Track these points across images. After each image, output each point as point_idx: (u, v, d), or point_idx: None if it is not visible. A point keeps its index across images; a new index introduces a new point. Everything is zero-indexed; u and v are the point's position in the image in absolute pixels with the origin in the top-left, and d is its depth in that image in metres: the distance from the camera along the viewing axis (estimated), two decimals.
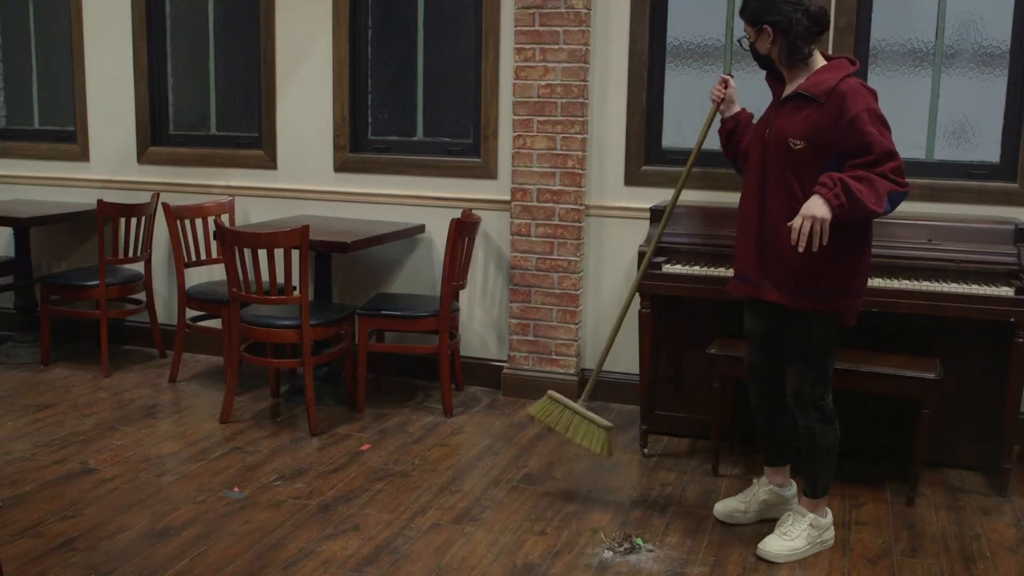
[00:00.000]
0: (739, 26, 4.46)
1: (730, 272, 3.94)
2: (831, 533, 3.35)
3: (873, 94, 3.07)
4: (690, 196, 4.34)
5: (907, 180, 3.00)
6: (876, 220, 3.17)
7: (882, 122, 3.03)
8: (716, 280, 3.91)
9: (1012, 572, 3.18)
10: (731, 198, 4.49)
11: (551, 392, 3.80)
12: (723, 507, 3.52)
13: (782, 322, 3.25)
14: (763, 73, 3.39)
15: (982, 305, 3.64)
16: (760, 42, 3.21)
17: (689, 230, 4.09)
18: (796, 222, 2.97)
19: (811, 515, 3.29)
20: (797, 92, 3.12)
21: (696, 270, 3.97)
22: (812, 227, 2.93)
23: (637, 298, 4.08)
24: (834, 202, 2.92)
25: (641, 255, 4.01)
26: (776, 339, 3.31)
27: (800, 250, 2.97)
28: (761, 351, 3.39)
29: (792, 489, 3.52)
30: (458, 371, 4.94)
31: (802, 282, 3.09)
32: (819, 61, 3.19)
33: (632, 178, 4.68)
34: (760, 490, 3.50)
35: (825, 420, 3.25)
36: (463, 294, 4.97)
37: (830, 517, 3.36)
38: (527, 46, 4.64)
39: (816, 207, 2.93)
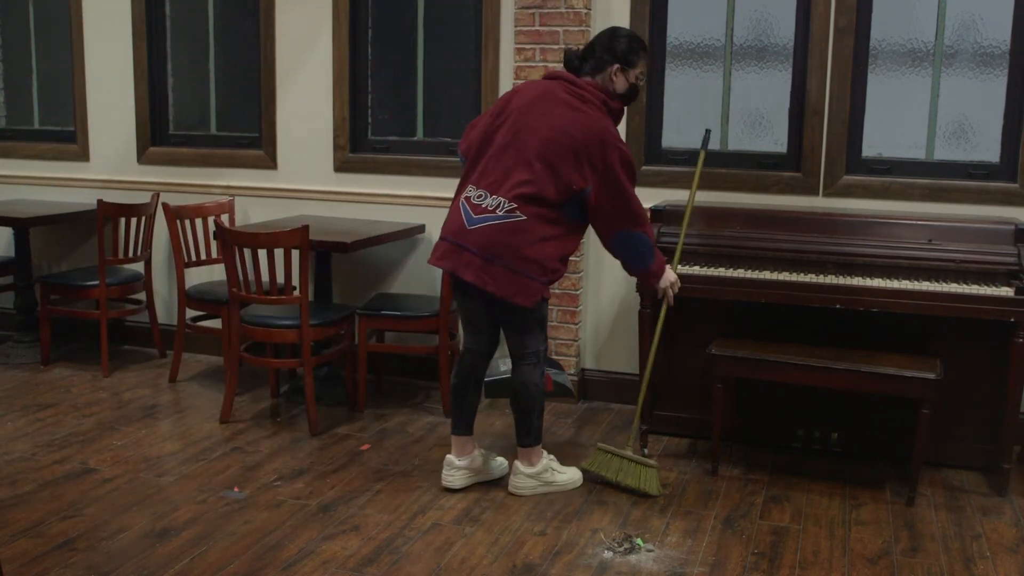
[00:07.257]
0: (739, 26, 4.52)
1: (730, 272, 3.95)
2: None
3: None
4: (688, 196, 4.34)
5: None
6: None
7: None
8: (716, 280, 3.91)
9: (1012, 572, 3.18)
10: (731, 198, 4.51)
11: (599, 444, 3.88)
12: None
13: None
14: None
15: (982, 305, 3.64)
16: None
17: (688, 230, 4.08)
18: None
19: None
20: None
21: (696, 270, 3.97)
22: None
23: (637, 297, 4.09)
24: None
25: None
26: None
27: None
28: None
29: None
30: None
31: None
32: None
33: None
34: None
35: None
36: None
37: None
38: (527, 46, 4.64)
39: None
